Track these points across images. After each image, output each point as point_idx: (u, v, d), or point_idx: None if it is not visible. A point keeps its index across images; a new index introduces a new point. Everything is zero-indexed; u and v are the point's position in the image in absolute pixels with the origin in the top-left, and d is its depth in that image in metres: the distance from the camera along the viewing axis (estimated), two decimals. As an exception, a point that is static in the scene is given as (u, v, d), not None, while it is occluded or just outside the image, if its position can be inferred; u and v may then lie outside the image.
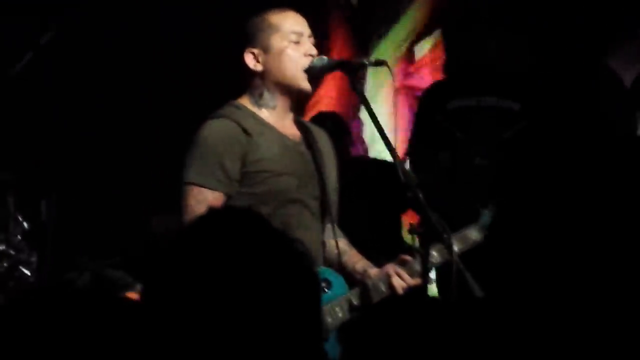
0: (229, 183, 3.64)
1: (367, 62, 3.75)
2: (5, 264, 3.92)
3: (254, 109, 3.77)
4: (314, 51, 3.75)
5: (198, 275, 1.73)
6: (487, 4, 5.61)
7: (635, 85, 4.67)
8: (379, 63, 3.74)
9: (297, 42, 3.73)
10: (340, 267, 3.80)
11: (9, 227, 3.92)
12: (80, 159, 5.85)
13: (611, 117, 4.53)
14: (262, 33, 3.76)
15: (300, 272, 1.79)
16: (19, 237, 3.99)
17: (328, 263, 3.83)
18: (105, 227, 5.39)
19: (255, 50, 3.75)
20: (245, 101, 3.79)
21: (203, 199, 3.61)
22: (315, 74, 3.73)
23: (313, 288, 1.80)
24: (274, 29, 3.75)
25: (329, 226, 3.85)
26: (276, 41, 3.74)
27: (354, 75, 3.69)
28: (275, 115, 3.77)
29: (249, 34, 3.79)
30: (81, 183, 5.78)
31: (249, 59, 3.76)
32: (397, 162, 3.54)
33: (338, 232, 3.88)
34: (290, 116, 3.82)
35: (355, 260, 3.82)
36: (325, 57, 3.75)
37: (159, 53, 6.36)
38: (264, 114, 3.76)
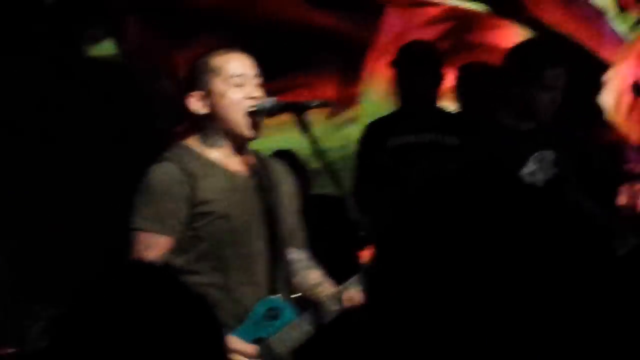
0: (176, 226, 3.69)
1: (313, 104, 3.75)
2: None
3: (202, 149, 3.77)
4: (258, 93, 3.74)
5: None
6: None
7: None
8: (325, 104, 3.81)
9: (240, 85, 3.73)
10: (313, 299, 3.83)
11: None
12: (31, 203, 5.84)
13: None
14: (203, 76, 3.74)
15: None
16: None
17: (302, 295, 3.88)
18: (59, 273, 5.39)
19: (198, 94, 3.74)
20: (193, 142, 3.79)
21: (150, 243, 3.68)
22: (261, 116, 3.72)
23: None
24: (215, 72, 3.73)
25: (301, 257, 3.90)
26: (218, 85, 3.73)
27: (302, 117, 3.72)
28: (223, 153, 3.77)
29: (191, 76, 3.78)
30: (34, 227, 5.76)
31: (192, 102, 3.75)
32: (347, 199, 3.61)
33: (309, 263, 3.93)
34: (240, 152, 3.81)
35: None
36: (271, 99, 3.74)
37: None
38: (212, 153, 3.76)
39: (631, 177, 5.48)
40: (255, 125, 3.73)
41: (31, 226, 5.74)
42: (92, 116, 6.26)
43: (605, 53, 6.74)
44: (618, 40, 6.75)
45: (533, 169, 4.54)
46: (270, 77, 6.98)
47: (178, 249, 3.71)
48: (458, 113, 5.87)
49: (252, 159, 3.85)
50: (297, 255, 3.90)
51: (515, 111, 4.72)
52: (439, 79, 5.64)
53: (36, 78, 6.17)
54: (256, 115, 3.71)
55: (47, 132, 6.08)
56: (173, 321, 1.82)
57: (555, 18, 6.72)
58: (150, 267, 1.98)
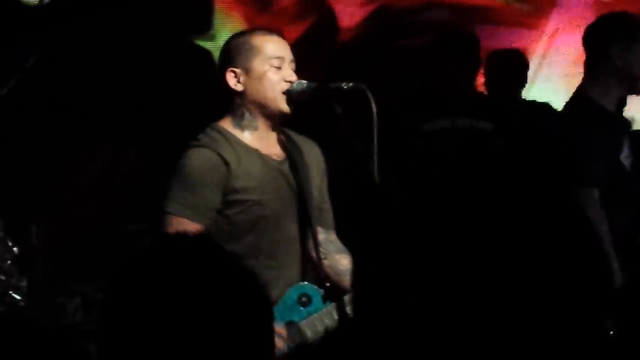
0: (209, 215, 3.72)
1: (345, 87, 3.75)
2: (-5, 289, 3.97)
3: (236, 132, 3.81)
4: (294, 77, 3.78)
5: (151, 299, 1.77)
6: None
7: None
8: (357, 89, 3.81)
9: (278, 67, 3.78)
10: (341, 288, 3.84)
11: (-1, 251, 3.96)
12: (68, 180, 5.89)
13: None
14: (244, 54, 3.80)
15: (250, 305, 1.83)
16: (8, 262, 4.03)
17: (329, 280, 3.88)
18: (96, 251, 5.44)
19: (237, 70, 3.79)
20: (227, 123, 3.83)
21: (182, 230, 3.65)
22: (294, 98, 3.76)
23: (262, 322, 1.86)
24: (256, 51, 3.79)
25: (330, 239, 3.93)
26: (258, 64, 3.78)
27: (332, 100, 3.75)
28: (257, 136, 3.82)
29: (230, 53, 3.84)
30: (71, 207, 5.82)
31: (230, 78, 3.80)
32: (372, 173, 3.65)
33: (339, 246, 3.94)
34: (273, 135, 3.86)
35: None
36: (304, 82, 3.78)
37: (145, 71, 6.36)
38: (246, 136, 3.81)
39: None
40: (291, 104, 3.78)
41: (68, 204, 5.81)
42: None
43: None
44: None
45: (627, 153, 4.56)
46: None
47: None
48: (493, 98, 5.89)
49: (284, 140, 3.90)
50: (327, 236, 3.94)
51: (601, 86, 4.66)
52: (476, 65, 5.68)
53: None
54: (291, 96, 3.77)
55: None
56: (224, 297, 1.78)
57: None
58: (199, 240, 1.91)
